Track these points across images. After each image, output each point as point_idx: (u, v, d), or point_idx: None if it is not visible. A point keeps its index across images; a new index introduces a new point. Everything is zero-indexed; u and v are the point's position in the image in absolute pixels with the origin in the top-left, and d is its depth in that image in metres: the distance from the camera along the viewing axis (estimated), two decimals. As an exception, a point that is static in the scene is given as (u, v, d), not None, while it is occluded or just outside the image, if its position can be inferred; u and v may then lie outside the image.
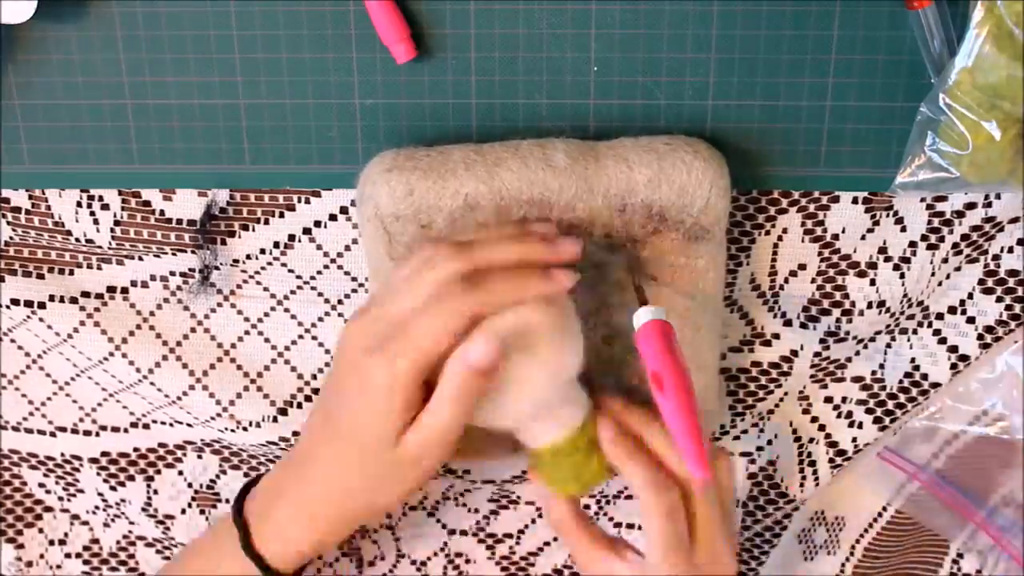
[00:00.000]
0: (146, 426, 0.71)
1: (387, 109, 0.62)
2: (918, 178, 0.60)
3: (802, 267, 0.65)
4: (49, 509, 0.75)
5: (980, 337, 0.65)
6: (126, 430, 0.72)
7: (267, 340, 0.68)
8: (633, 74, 0.61)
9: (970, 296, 0.65)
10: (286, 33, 0.60)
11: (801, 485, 0.69)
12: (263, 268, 0.66)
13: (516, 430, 0.57)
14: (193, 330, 0.68)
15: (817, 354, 0.67)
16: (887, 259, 0.65)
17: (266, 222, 0.65)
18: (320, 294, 0.67)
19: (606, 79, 0.61)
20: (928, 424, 0.68)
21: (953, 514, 0.71)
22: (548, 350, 0.54)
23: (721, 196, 0.59)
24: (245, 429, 0.69)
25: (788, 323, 0.67)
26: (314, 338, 0.68)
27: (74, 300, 0.68)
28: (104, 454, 0.73)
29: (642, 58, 0.60)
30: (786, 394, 0.69)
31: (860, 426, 0.68)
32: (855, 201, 0.63)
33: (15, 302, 0.68)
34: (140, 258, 0.67)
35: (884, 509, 0.71)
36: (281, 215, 0.65)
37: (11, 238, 0.67)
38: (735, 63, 0.60)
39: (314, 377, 0.69)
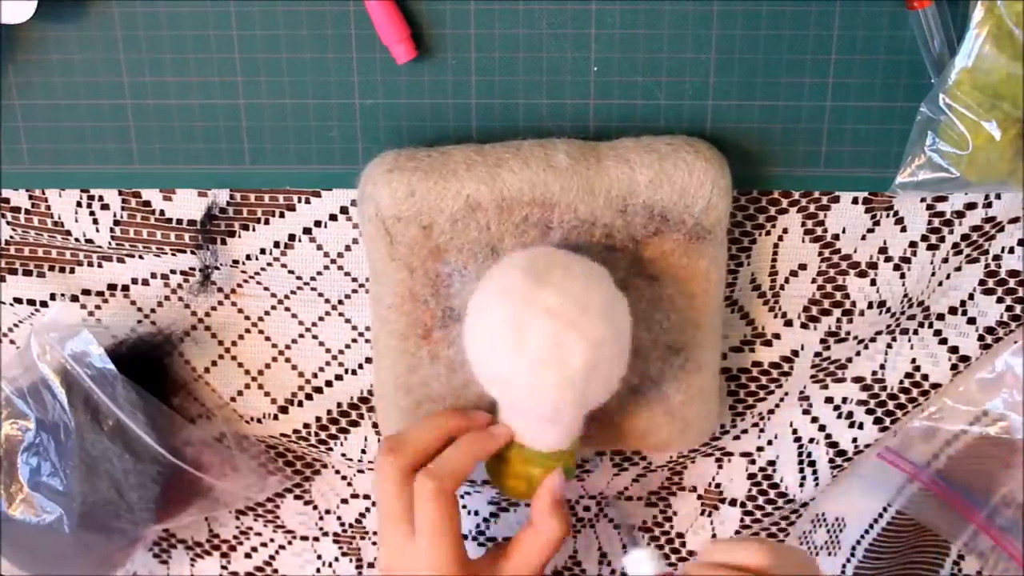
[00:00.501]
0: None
1: (387, 109, 0.62)
2: (918, 178, 0.60)
3: (802, 267, 0.65)
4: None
5: (981, 338, 0.65)
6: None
7: (268, 339, 0.69)
8: (633, 74, 0.61)
9: (971, 296, 0.65)
10: (286, 33, 0.60)
11: (801, 485, 0.69)
12: (263, 268, 0.66)
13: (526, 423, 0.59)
14: (194, 327, 0.68)
15: (818, 354, 0.67)
16: (887, 259, 0.65)
17: (266, 222, 0.65)
18: (320, 294, 0.67)
19: (606, 79, 0.61)
20: (929, 424, 0.68)
21: (954, 515, 0.71)
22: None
23: (722, 196, 0.59)
24: (247, 424, 0.70)
25: (789, 323, 0.67)
26: (315, 337, 0.68)
27: (75, 298, 0.68)
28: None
29: (642, 58, 0.60)
30: (786, 394, 0.69)
31: (860, 426, 0.68)
32: (855, 201, 0.63)
33: (17, 300, 0.68)
34: (140, 257, 0.67)
35: (885, 510, 0.71)
36: (281, 215, 0.65)
37: (11, 237, 0.67)
38: (735, 63, 0.60)
39: (315, 376, 0.69)
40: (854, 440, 0.68)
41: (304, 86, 0.62)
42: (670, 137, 0.60)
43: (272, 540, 0.75)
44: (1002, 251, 0.64)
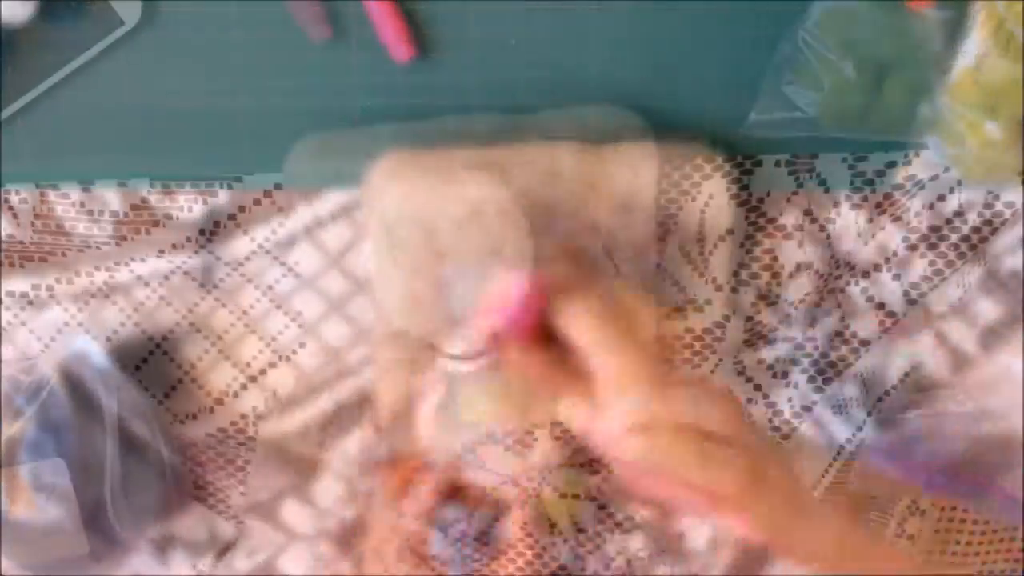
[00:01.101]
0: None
1: (387, 109, 0.62)
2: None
3: (803, 267, 0.66)
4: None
5: (981, 338, 0.66)
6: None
7: (268, 339, 0.69)
8: (633, 74, 0.61)
9: (971, 296, 0.65)
10: (286, 33, 0.60)
11: (801, 485, 0.70)
12: (263, 268, 0.66)
13: None
14: (195, 327, 0.68)
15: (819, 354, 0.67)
16: (887, 259, 0.65)
17: (266, 222, 0.65)
18: (321, 294, 0.67)
19: (606, 79, 0.61)
20: (929, 424, 0.68)
21: (954, 514, 0.71)
22: None
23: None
24: (247, 424, 0.70)
25: (789, 323, 0.67)
26: (315, 337, 0.68)
27: (75, 298, 0.68)
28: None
29: (643, 58, 0.60)
30: (787, 394, 0.69)
31: (860, 426, 0.68)
32: (856, 203, 0.63)
33: (17, 300, 0.68)
34: (142, 259, 0.67)
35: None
36: (281, 215, 0.65)
37: (11, 236, 0.67)
38: (736, 63, 0.60)
39: (314, 376, 0.69)
40: (855, 440, 0.68)
41: (304, 86, 0.62)
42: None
43: (272, 540, 0.75)
44: (1002, 251, 0.64)
